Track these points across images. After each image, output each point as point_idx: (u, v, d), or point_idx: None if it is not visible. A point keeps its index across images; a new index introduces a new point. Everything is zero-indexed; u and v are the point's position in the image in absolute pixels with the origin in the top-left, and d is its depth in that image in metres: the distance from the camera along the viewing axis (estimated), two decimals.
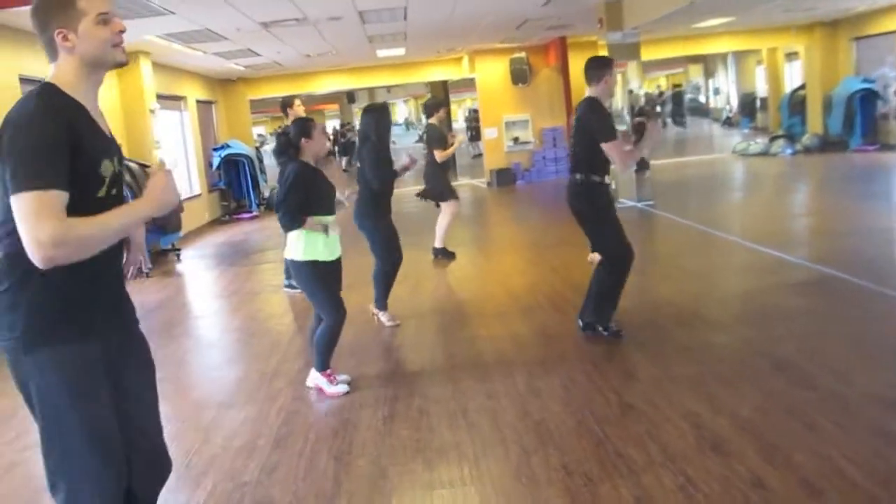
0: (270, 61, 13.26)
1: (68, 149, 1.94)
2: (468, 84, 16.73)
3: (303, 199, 4.27)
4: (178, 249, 10.40)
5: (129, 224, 2.06)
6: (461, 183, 17.00)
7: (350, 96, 30.53)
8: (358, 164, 5.95)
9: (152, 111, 10.45)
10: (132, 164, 8.97)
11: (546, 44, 15.19)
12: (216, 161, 14.18)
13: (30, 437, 3.83)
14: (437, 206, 8.26)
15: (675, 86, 31.16)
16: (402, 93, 27.41)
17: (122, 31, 2.13)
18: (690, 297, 5.80)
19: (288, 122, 7.66)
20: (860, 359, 4.14)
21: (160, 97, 11.66)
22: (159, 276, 9.15)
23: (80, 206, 1.96)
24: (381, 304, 5.90)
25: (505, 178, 15.67)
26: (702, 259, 7.31)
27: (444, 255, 8.24)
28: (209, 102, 15.25)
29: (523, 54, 15.28)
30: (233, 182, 14.63)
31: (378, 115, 5.84)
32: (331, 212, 4.40)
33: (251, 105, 17.07)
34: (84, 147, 2.01)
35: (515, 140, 15.96)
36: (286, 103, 7.70)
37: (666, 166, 15.57)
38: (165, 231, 9.55)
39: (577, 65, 14.65)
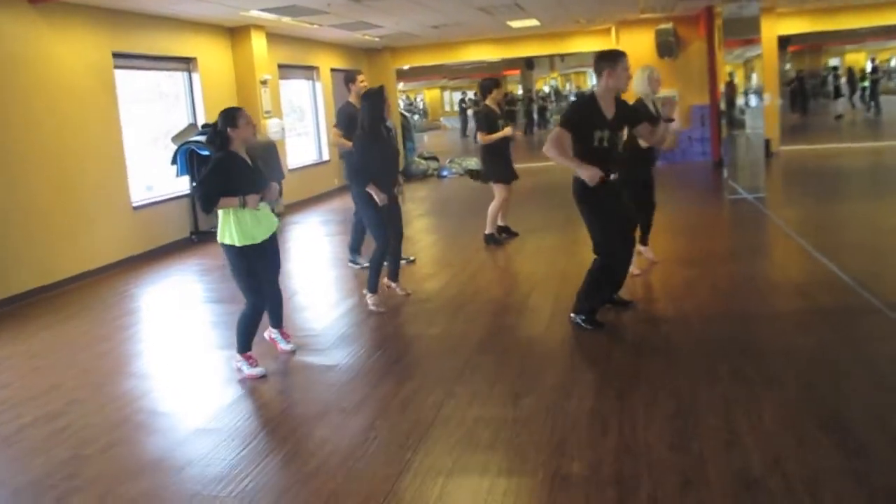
0: (397, 32, 13.41)
1: None
2: None
3: (221, 186, 4.39)
4: (279, 214, 10.94)
5: None
6: None
7: (529, 63, 30.18)
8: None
9: (263, 82, 11.01)
10: None
11: (697, 14, 14.03)
12: None
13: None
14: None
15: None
16: (575, 62, 26.58)
17: None
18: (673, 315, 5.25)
19: (351, 97, 7.60)
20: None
21: (286, 67, 12.28)
22: None
23: None
24: (373, 286, 5.92)
25: None
26: (751, 267, 6.52)
27: (494, 241, 7.98)
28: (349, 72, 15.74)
29: (670, 25, 14.22)
30: None
31: (372, 101, 5.79)
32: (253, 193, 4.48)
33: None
34: None
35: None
36: (349, 78, 7.59)
37: (826, 152, 13.89)
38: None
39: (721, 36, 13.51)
